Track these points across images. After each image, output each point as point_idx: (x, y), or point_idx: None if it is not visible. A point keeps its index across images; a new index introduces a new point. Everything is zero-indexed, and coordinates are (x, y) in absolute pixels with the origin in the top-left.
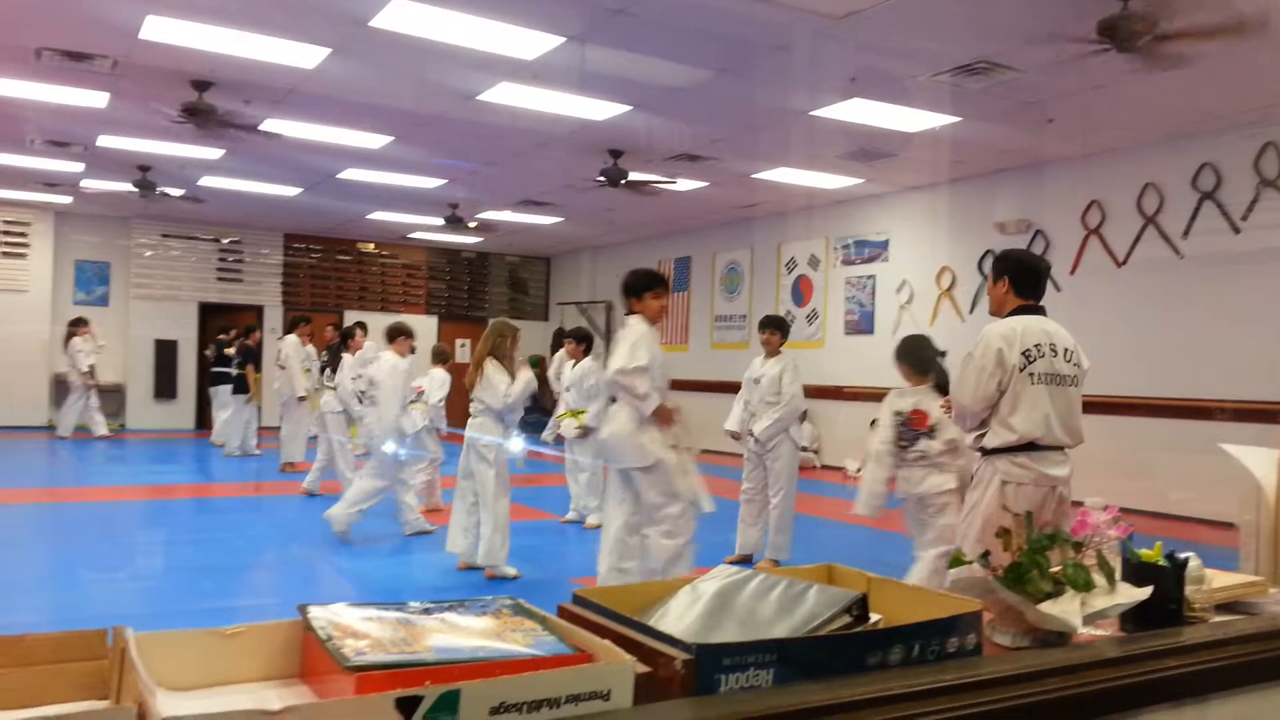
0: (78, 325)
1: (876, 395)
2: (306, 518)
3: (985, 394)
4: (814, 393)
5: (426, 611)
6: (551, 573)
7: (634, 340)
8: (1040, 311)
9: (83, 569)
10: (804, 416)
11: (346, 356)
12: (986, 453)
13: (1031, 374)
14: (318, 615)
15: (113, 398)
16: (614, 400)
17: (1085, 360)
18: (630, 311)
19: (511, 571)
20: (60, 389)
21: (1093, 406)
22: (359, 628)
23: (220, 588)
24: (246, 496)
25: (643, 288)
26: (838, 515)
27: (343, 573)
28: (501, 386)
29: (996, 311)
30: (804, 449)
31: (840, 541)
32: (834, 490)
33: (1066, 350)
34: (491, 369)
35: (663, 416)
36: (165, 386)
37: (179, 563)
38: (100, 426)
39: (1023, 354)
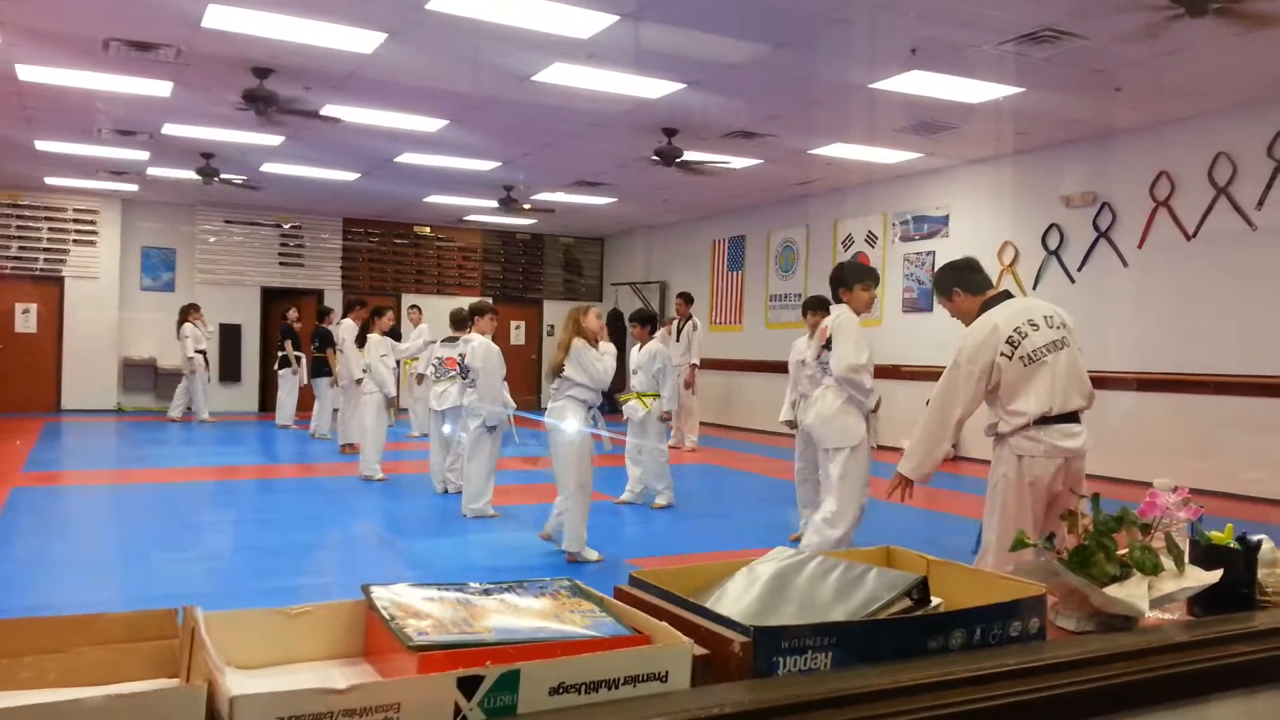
0: (190, 311)
1: (935, 374)
2: (368, 499)
3: (976, 398)
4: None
5: (486, 592)
6: (608, 554)
7: (856, 335)
8: (1005, 294)
9: (155, 548)
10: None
11: (373, 336)
12: (1000, 436)
13: (1023, 358)
14: (381, 595)
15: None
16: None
17: (1069, 317)
18: (838, 301)
19: (593, 555)
20: (132, 373)
21: (1162, 384)
22: (421, 608)
23: (285, 567)
24: (312, 478)
25: (853, 279)
26: (895, 496)
27: (401, 553)
28: (592, 361)
29: (970, 320)
30: None
31: (897, 522)
32: (891, 471)
33: (1046, 317)
34: (580, 345)
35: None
36: (230, 370)
37: (245, 542)
38: (203, 411)
39: (1007, 343)
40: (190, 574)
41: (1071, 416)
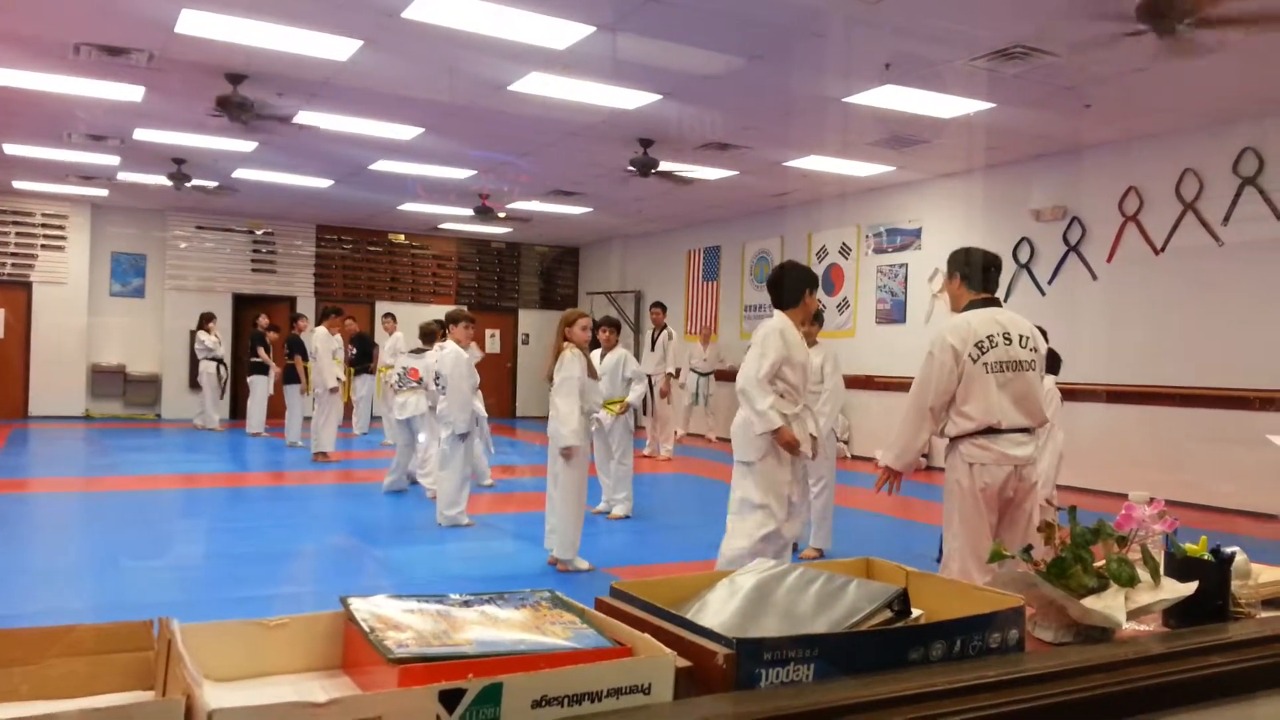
0: (209, 321)
1: (907, 385)
2: (342, 506)
3: (947, 389)
4: (845, 382)
5: (466, 604)
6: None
7: (776, 351)
8: (994, 303)
9: (126, 556)
10: None
11: (320, 330)
12: (952, 440)
13: (985, 364)
14: (359, 607)
15: (148, 388)
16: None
17: (1042, 344)
18: (787, 307)
19: (584, 565)
20: (101, 379)
21: (1130, 396)
22: (400, 620)
23: (259, 575)
24: (284, 486)
25: (807, 284)
26: (870, 505)
27: (379, 562)
28: (575, 368)
29: (955, 308)
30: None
31: (873, 531)
32: (866, 480)
33: (1021, 337)
34: (570, 354)
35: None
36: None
37: (219, 550)
38: (211, 420)
39: (975, 345)
40: (163, 583)
41: (1022, 429)
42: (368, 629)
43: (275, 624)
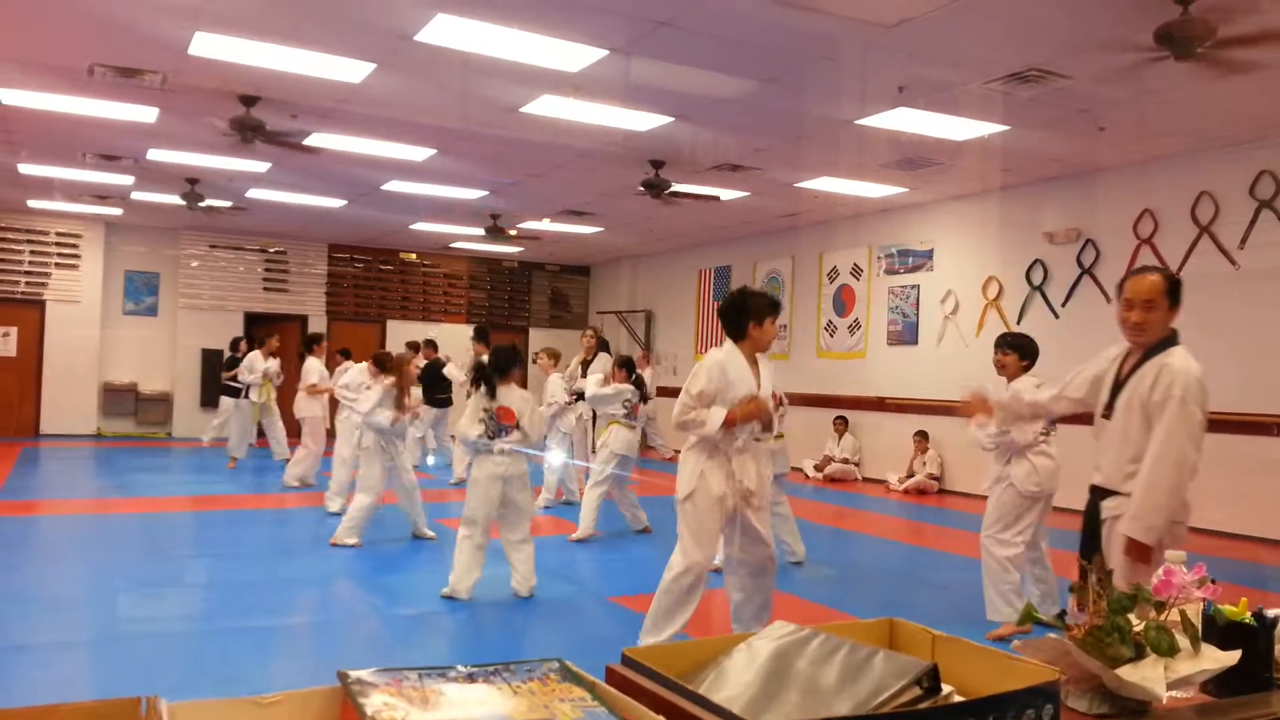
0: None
1: (919, 407)
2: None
3: None
4: (855, 403)
5: (471, 678)
6: (579, 588)
7: (705, 377)
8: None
9: (128, 583)
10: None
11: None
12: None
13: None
14: (359, 686)
15: (160, 406)
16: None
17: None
18: (740, 337)
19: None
20: (113, 398)
21: None
22: (399, 704)
23: (257, 604)
24: (265, 509)
25: (766, 312)
26: (879, 530)
27: (376, 589)
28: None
29: (1154, 339)
30: (845, 461)
31: (879, 557)
32: (876, 505)
33: None
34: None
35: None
36: (211, 395)
37: (221, 578)
38: (242, 449)
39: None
40: (163, 614)
41: None
42: (370, 713)
43: (269, 702)
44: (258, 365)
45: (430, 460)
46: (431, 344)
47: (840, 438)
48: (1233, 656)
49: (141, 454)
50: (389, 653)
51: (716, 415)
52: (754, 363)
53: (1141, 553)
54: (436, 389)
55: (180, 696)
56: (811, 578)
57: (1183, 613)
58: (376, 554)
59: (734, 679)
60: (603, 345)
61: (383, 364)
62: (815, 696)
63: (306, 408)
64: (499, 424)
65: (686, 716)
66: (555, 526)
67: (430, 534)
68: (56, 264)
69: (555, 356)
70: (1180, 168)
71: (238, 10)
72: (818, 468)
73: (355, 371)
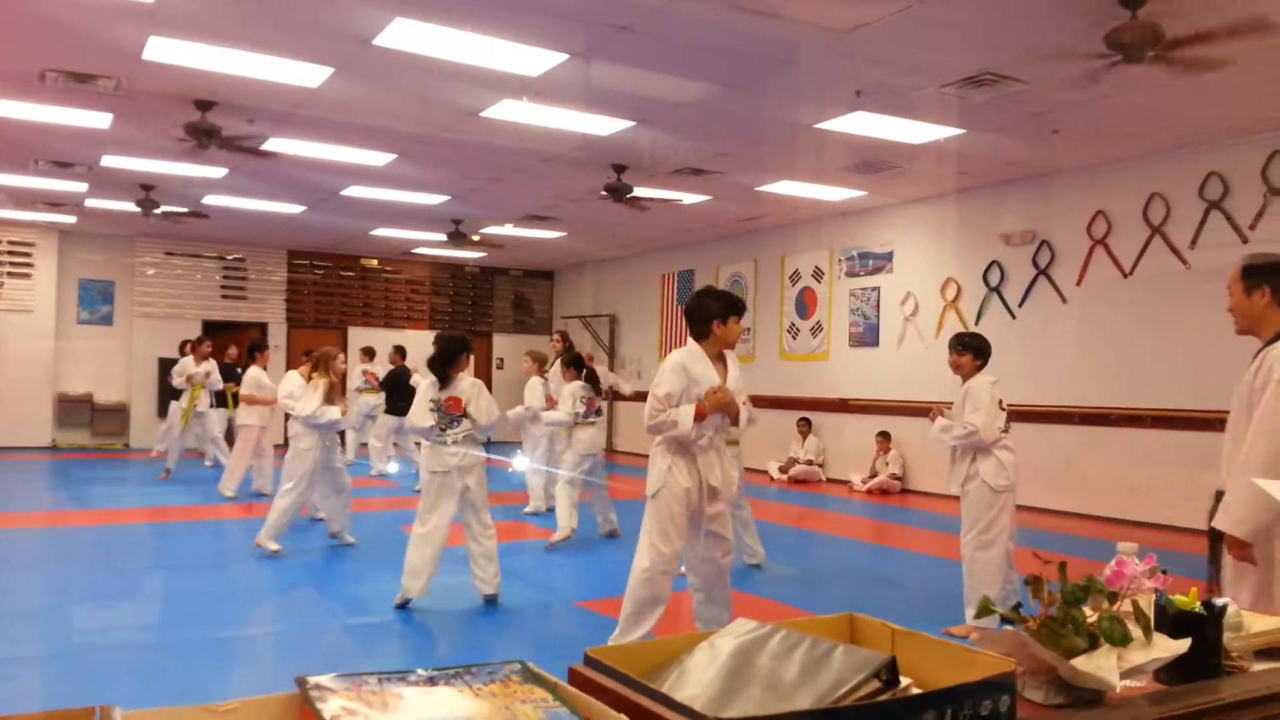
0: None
1: (881, 408)
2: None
3: None
4: (818, 405)
5: (431, 681)
6: (548, 595)
7: (668, 379)
8: None
9: (83, 595)
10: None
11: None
12: None
13: None
14: (317, 692)
15: (116, 417)
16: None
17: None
18: (703, 336)
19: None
20: (68, 408)
21: (1100, 419)
22: (359, 707)
23: (219, 616)
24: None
25: (729, 310)
26: (842, 530)
27: (336, 596)
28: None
29: (1251, 329)
30: (809, 462)
31: (841, 557)
32: (839, 505)
33: None
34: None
35: None
36: (167, 405)
37: (180, 587)
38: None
39: None
40: (118, 625)
41: None
42: (328, 717)
43: (225, 710)
44: (187, 369)
45: (393, 468)
46: (400, 350)
47: (804, 439)
48: (1183, 645)
49: (97, 465)
50: (350, 660)
51: (686, 413)
52: (720, 360)
53: (1239, 549)
54: (400, 397)
55: (137, 708)
56: (774, 578)
57: (1135, 603)
58: (334, 561)
59: (696, 677)
60: (575, 360)
61: (317, 363)
62: (776, 692)
63: (244, 417)
64: (448, 415)
65: (649, 715)
66: (537, 533)
67: (351, 539)
68: (8, 273)
69: (541, 360)
70: (1132, 170)
71: (193, 14)
72: (782, 469)
73: (289, 378)
